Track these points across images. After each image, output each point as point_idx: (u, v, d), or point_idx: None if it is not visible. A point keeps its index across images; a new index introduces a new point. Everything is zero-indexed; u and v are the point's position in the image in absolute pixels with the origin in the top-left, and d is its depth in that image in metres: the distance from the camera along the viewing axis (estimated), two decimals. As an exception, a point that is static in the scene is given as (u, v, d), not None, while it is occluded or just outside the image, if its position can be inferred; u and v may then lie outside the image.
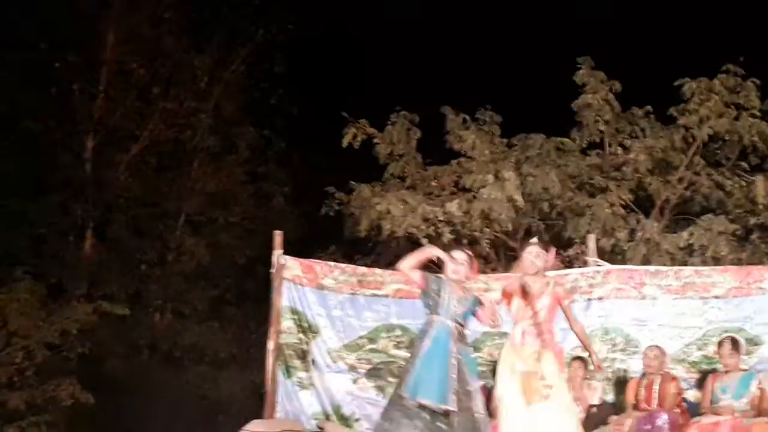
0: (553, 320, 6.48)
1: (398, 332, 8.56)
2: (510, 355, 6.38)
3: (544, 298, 6.40)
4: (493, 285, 8.56)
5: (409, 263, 6.38)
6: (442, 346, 6.11)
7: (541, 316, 6.36)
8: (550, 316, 6.43)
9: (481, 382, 7.65)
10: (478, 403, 6.14)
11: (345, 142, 11.24)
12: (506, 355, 6.45)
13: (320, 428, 7.97)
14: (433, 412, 6.00)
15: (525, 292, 6.37)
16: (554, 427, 6.17)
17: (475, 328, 8.47)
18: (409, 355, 6.45)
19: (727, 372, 7.41)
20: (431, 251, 6.42)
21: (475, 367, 6.38)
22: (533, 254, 6.47)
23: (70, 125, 13.78)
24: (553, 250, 6.70)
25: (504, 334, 7.72)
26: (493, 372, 7.97)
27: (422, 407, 6.00)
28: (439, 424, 6.00)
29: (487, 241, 10.83)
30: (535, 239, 6.71)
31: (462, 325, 6.28)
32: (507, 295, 6.55)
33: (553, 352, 6.33)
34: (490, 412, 7.37)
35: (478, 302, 6.36)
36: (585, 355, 8.09)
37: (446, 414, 6.00)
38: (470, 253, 6.54)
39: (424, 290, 6.34)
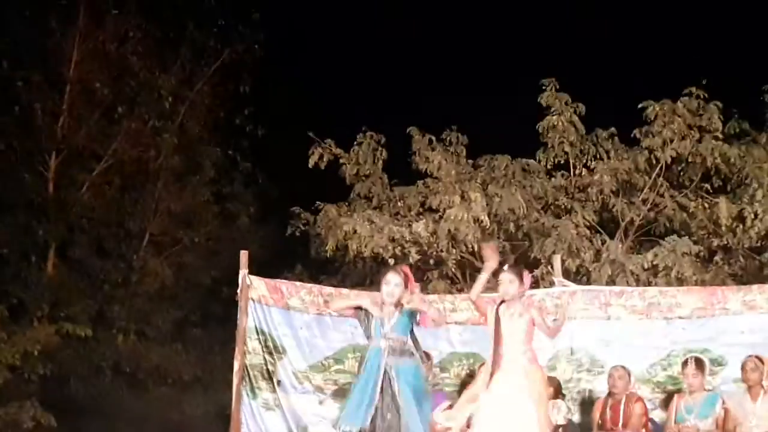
0: (531, 342, 6.49)
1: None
2: (488, 378, 6.40)
3: (520, 321, 6.41)
4: (459, 305, 8.59)
5: (339, 305, 6.76)
6: (371, 369, 6.24)
7: (518, 339, 6.37)
8: (529, 338, 6.44)
9: (448, 402, 7.74)
10: (411, 418, 6.12)
11: (311, 163, 11.23)
12: (484, 377, 6.46)
13: (286, 450, 7.91)
14: None
15: (497, 320, 6.40)
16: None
17: (442, 349, 8.54)
18: None
19: (691, 392, 7.45)
20: (356, 303, 6.54)
21: (418, 377, 6.35)
22: (507, 280, 6.49)
23: (33, 144, 13.63)
24: (527, 274, 6.71)
25: (473, 354, 7.76)
26: (460, 392, 8.01)
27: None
28: None
29: (453, 261, 10.86)
30: (506, 266, 6.72)
31: (401, 340, 6.32)
32: (483, 314, 6.57)
33: (524, 371, 6.33)
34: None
35: (414, 313, 6.39)
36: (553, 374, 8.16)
37: None
38: (405, 271, 6.58)
39: (359, 320, 6.49)
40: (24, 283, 12.73)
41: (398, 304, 6.38)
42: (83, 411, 11.62)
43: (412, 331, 6.42)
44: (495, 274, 6.57)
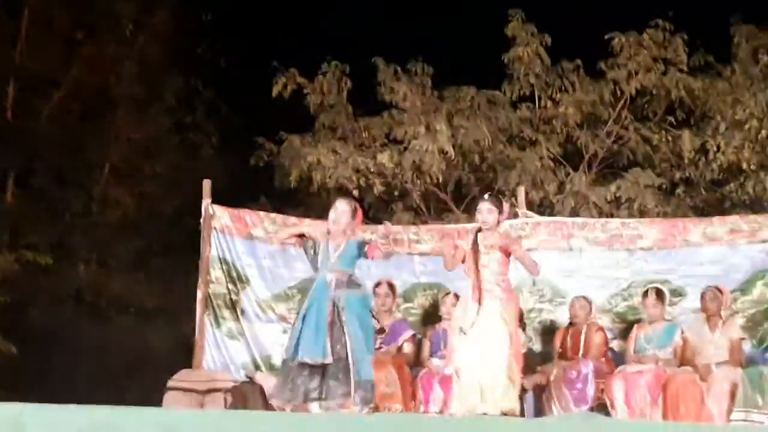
0: (506, 272, 6.54)
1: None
2: (460, 311, 6.46)
3: (494, 252, 6.45)
4: (423, 236, 8.62)
5: (282, 236, 6.89)
6: (318, 301, 6.27)
7: (493, 269, 6.42)
8: (503, 269, 6.49)
9: (411, 332, 7.80)
10: (358, 348, 6.21)
11: (275, 92, 11.11)
12: (457, 311, 6.51)
13: (249, 378, 7.94)
14: (311, 368, 6.18)
15: (475, 250, 6.43)
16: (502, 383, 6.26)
17: (406, 279, 8.59)
18: None
19: (651, 322, 7.55)
20: (305, 230, 6.62)
21: (365, 309, 6.43)
22: (485, 210, 6.52)
23: (-10, 72, 13.34)
24: (506, 204, 6.74)
25: (436, 285, 7.80)
26: (424, 322, 8.07)
27: (302, 366, 6.18)
28: (316, 378, 6.19)
29: (417, 192, 10.88)
30: (486, 195, 6.74)
31: (347, 273, 6.37)
32: (458, 249, 6.59)
33: (499, 302, 6.38)
34: (420, 361, 7.46)
35: (363, 243, 6.45)
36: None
37: (323, 367, 6.17)
38: (354, 203, 6.63)
39: (305, 250, 6.54)
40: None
41: (344, 234, 6.38)
42: (44, 340, 11.57)
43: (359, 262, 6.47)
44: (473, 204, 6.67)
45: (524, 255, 6.61)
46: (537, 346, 8.25)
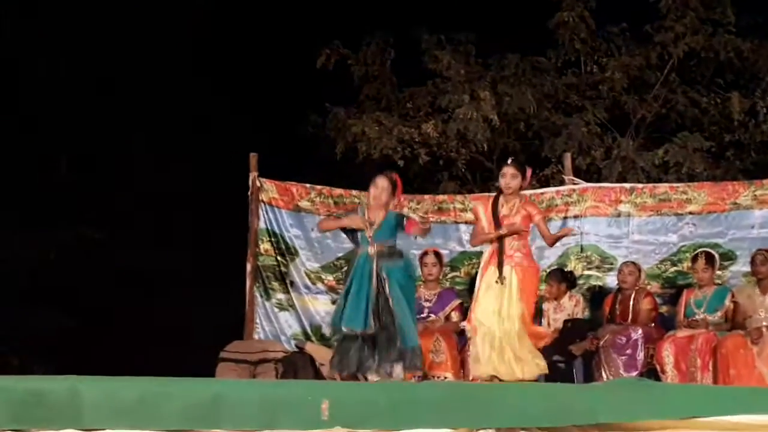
0: (526, 238, 6.57)
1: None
2: (481, 273, 6.52)
3: (514, 217, 6.49)
4: (469, 205, 8.64)
5: (326, 225, 6.99)
6: (360, 274, 6.31)
7: (510, 239, 6.46)
8: (524, 234, 6.52)
9: (458, 301, 7.84)
10: (403, 316, 6.25)
11: (319, 64, 11.13)
12: (480, 275, 6.58)
13: (300, 348, 8.04)
14: (362, 339, 6.24)
15: (495, 214, 6.48)
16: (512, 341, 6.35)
17: (452, 248, 8.63)
18: None
19: (701, 287, 7.51)
20: (354, 223, 6.52)
21: (408, 278, 6.45)
22: (508, 175, 6.55)
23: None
24: (529, 170, 6.76)
25: (481, 253, 7.81)
26: (470, 291, 8.10)
27: (352, 336, 6.25)
28: (366, 348, 6.25)
29: (463, 161, 10.85)
30: (509, 160, 6.76)
31: (388, 244, 6.39)
32: (477, 215, 6.66)
33: (516, 268, 6.41)
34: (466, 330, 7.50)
35: (402, 216, 6.50)
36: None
37: (372, 337, 6.22)
38: (394, 177, 6.62)
39: (344, 231, 6.61)
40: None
41: (385, 208, 6.44)
42: (100, 314, 11.77)
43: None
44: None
45: (541, 223, 6.61)
46: (586, 313, 8.24)
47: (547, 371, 6.60)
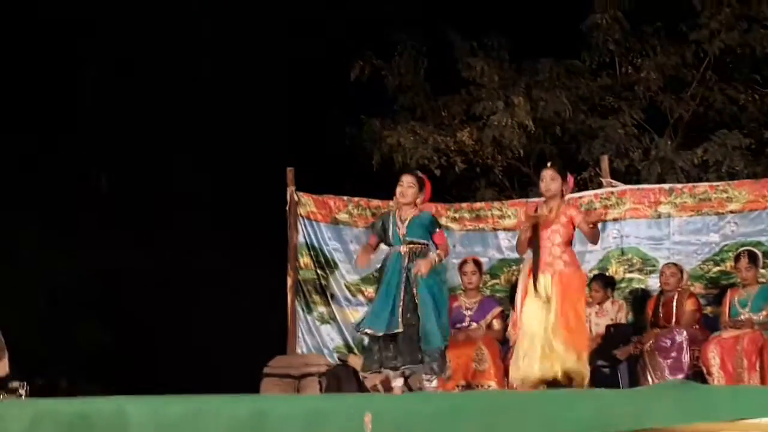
0: (570, 243, 6.49)
1: (415, 261, 8.59)
2: (523, 281, 6.44)
3: (558, 223, 6.41)
4: (507, 211, 8.62)
5: (362, 259, 6.67)
6: (391, 274, 6.28)
7: (555, 241, 6.39)
8: (566, 240, 6.43)
9: (500, 308, 7.81)
10: (427, 317, 6.19)
11: (353, 76, 11.17)
12: (521, 281, 6.53)
13: (343, 361, 8.06)
14: (387, 337, 6.19)
15: (537, 218, 6.42)
16: (560, 350, 6.25)
17: (492, 256, 8.60)
18: None
19: (745, 286, 7.42)
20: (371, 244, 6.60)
21: (438, 280, 6.35)
22: (547, 177, 6.49)
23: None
24: (571, 177, 6.68)
25: (522, 260, 7.77)
26: (511, 298, 8.07)
27: (377, 336, 6.21)
28: (390, 346, 6.21)
29: (499, 168, 10.84)
30: (549, 163, 6.71)
31: (420, 243, 6.35)
32: (523, 222, 6.60)
33: (559, 276, 6.34)
34: (507, 338, 7.45)
35: (436, 223, 6.46)
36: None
37: (395, 335, 6.18)
38: (421, 175, 6.63)
39: (377, 237, 6.53)
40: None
41: (414, 207, 6.41)
42: (140, 330, 11.89)
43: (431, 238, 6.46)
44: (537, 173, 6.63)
45: (583, 224, 6.43)
46: (629, 316, 8.18)
47: (587, 380, 6.45)
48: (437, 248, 6.39)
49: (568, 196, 6.71)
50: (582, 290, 6.62)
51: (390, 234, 6.40)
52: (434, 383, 6.26)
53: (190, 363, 11.58)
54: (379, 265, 8.43)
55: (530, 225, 6.45)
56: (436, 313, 6.22)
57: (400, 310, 6.18)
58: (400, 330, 6.15)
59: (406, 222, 6.36)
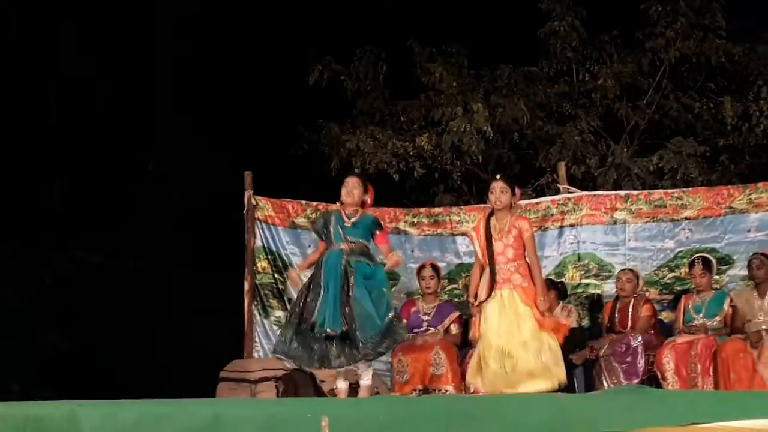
0: (522, 256, 6.49)
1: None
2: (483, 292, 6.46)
3: (509, 236, 6.43)
4: (465, 217, 8.65)
5: (304, 266, 6.76)
6: (331, 271, 6.25)
7: (508, 255, 6.40)
8: (518, 253, 6.44)
9: (457, 313, 7.81)
10: (363, 311, 6.18)
11: (311, 80, 11.14)
12: (482, 291, 6.52)
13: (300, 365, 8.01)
14: (327, 337, 6.16)
15: (487, 235, 6.43)
16: (523, 358, 6.26)
17: (450, 261, 8.62)
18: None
19: (699, 292, 7.51)
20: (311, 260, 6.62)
21: (377, 278, 6.33)
22: (498, 190, 6.49)
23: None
24: (518, 189, 6.69)
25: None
26: (469, 303, 8.09)
27: (325, 337, 6.16)
28: (331, 346, 6.17)
29: (458, 173, 10.86)
30: (498, 175, 6.70)
31: (361, 243, 6.37)
32: (476, 233, 6.60)
33: (520, 290, 6.36)
34: (469, 342, 7.45)
35: (378, 224, 6.48)
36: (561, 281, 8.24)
37: (334, 335, 6.16)
38: (362, 178, 6.71)
39: (317, 234, 6.57)
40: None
41: (358, 209, 6.44)
42: (99, 337, 11.76)
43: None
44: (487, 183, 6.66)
45: (529, 242, 6.43)
46: (585, 321, 8.25)
47: (565, 380, 6.42)
48: (379, 250, 6.45)
49: (525, 202, 6.73)
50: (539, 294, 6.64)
51: (332, 232, 6.41)
52: (369, 376, 6.26)
53: (145, 367, 11.47)
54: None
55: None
56: (373, 307, 6.18)
57: (342, 307, 6.17)
58: (340, 330, 6.12)
59: (351, 223, 6.38)
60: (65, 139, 13.03)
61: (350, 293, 6.18)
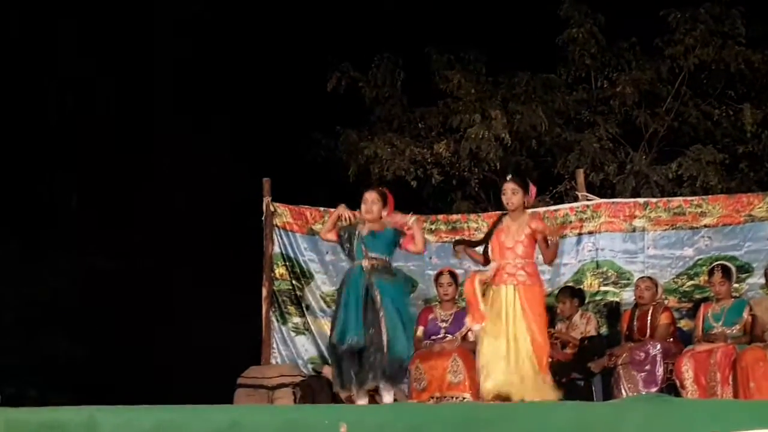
0: (532, 255, 6.49)
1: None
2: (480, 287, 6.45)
3: (521, 234, 6.42)
4: (483, 224, 8.63)
5: (324, 229, 6.72)
6: (355, 288, 6.30)
7: (518, 252, 6.39)
8: (528, 252, 6.44)
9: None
10: (392, 330, 6.22)
11: (329, 87, 11.16)
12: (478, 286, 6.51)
13: (317, 372, 8.03)
14: (353, 353, 6.21)
15: (499, 232, 6.42)
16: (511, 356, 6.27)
17: (468, 267, 8.55)
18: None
19: (718, 300, 7.46)
20: (338, 211, 6.57)
21: (401, 295, 6.43)
22: (509, 191, 6.49)
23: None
24: (533, 187, 6.69)
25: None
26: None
27: (347, 351, 6.21)
28: (359, 362, 6.22)
29: (476, 180, 10.86)
30: (509, 176, 6.70)
31: (382, 259, 6.40)
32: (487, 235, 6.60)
33: (522, 288, 6.35)
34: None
35: (400, 233, 6.49)
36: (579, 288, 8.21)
37: (360, 351, 6.21)
38: (384, 190, 6.69)
39: (341, 245, 6.59)
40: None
41: (380, 222, 6.46)
42: (113, 342, 11.80)
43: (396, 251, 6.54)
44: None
45: (542, 242, 6.46)
46: (603, 329, 8.21)
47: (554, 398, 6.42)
48: (407, 249, 6.53)
49: (543, 209, 6.72)
50: (543, 303, 6.62)
51: (354, 247, 6.44)
52: (391, 395, 6.29)
53: (163, 373, 11.50)
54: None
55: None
56: (401, 326, 6.25)
57: (365, 326, 6.20)
58: (364, 346, 6.17)
59: (373, 238, 6.41)
60: (75, 141, 13.09)
61: (379, 314, 6.20)
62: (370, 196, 6.53)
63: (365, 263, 6.36)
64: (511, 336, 6.31)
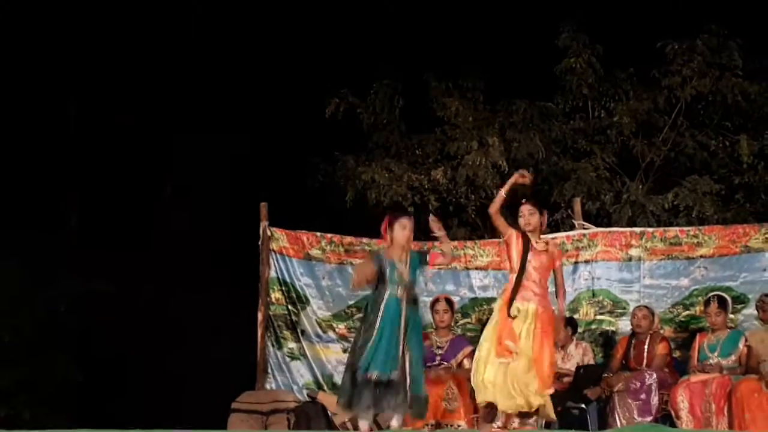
0: (547, 278, 6.45)
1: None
2: (496, 312, 6.34)
3: (544, 256, 6.34)
4: (479, 251, 8.66)
5: (358, 278, 6.46)
6: (391, 319, 6.19)
7: (535, 275, 6.31)
8: (545, 275, 6.39)
9: (471, 347, 7.77)
10: (416, 364, 6.20)
11: (328, 113, 11.19)
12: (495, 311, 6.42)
13: (312, 398, 8.01)
14: (378, 384, 6.10)
15: (526, 248, 6.31)
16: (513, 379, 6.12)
17: (464, 295, 8.61)
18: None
19: (714, 330, 7.46)
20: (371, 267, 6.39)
21: (419, 326, 6.42)
22: (526, 212, 6.45)
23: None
24: (545, 211, 6.65)
25: (494, 299, 7.74)
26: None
27: (368, 380, 6.10)
28: (377, 391, 6.10)
29: (472, 207, 10.86)
30: (524, 199, 6.68)
31: (412, 287, 6.34)
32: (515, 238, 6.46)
33: (543, 309, 6.26)
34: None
35: (423, 253, 6.52)
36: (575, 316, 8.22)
37: (390, 383, 6.11)
38: (410, 215, 6.67)
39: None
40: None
41: (404, 248, 6.38)
42: (110, 365, 11.77)
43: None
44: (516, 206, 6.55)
45: (560, 271, 6.41)
46: (599, 358, 8.20)
47: (552, 418, 6.34)
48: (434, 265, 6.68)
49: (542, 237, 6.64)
50: (554, 325, 6.55)
51: (389, 275, 6.28)
52: (400, 420, 6.20)
53: (157, 397, 11.46)
54: (352, 302, 8.46)
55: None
56: (422, 359, 6.26)
57: (397, 356, 6.12)
58: (395, 378, 6.08)
59: (406, 264, 6.31)
60: (75, 162, 13.11)
61: (406, 345, 6.16)
62: (410, 223, 6.44)
63: (400, 291, 6.25)
64: (525, 353, 6.15)
